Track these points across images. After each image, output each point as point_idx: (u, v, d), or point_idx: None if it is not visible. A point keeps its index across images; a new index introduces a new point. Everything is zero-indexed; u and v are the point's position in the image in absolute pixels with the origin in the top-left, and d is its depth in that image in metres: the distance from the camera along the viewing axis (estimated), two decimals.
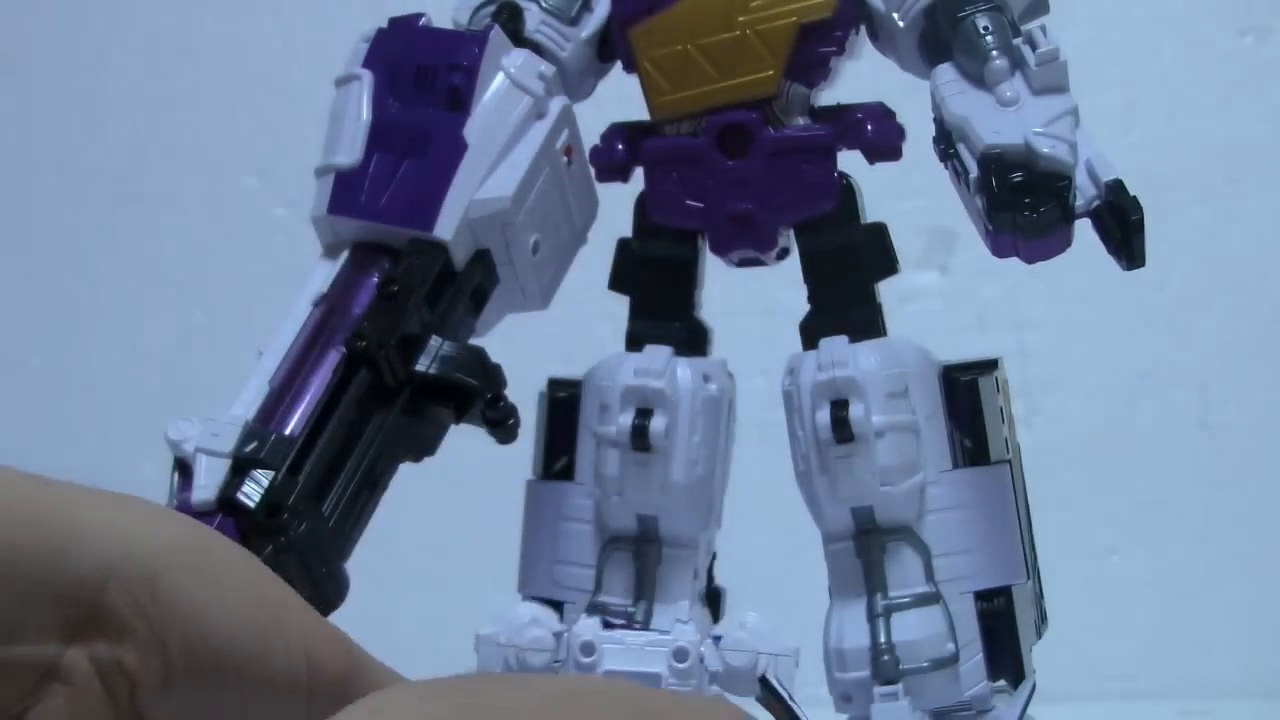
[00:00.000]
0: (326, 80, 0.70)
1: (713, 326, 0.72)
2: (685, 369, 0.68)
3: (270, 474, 0.59)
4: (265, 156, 1.41)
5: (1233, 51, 1.31)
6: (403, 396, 0.63)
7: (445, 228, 0.64)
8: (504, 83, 0.67)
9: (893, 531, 0.66)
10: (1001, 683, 0.66)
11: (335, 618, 0.59)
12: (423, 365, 0.63)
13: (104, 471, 1.44)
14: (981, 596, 0.66)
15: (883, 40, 0.69)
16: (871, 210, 0.69)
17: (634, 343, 0.70)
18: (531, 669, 0.48)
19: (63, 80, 1.46)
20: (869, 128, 0.68)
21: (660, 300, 0.71)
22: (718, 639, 0.50)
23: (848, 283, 0.68)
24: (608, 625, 0.49)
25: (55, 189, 1.45)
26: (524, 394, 0.67)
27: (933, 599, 0.65)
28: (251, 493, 0.59)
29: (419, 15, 0.69)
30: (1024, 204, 0.57)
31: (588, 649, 0.47)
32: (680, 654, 0.46)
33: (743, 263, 0.72)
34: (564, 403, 0.71)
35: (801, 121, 0.69)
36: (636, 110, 0.70)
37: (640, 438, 0.66)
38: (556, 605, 0.70)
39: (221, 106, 1.43)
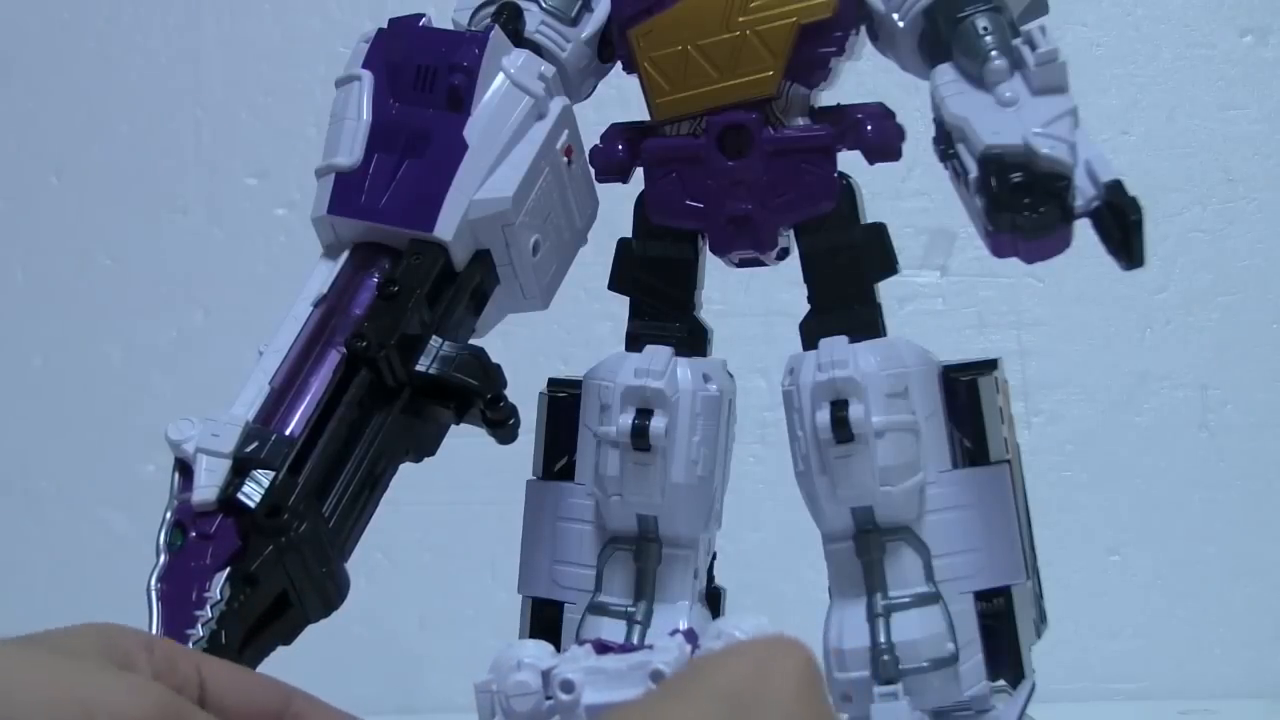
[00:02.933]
0: (326, 80, 0.70)
1: (713, 326, 0.72)
2: (685, 369, 0.68)
3: (271, 474, 0.59)
4: (265, 156, 1.41)
5: (1233, 51, 1.31)
6: (403, 397, 0.63)
7: (446, 228, 0.64)
8: (504, 83, 0.67)
9: (892, 531, 0.66)
10: (1001, 682, 0.66)
11: (336, 617, 0.60)
12: (423, 365, 0.63)
13: (105, 471, 1.45)
14: (981, 596, 0.66)
15: (883, 41, 0.69)
16: (871, 210, 0.69)
17: (634, 343, 0.70)
18: (521, 714, 0.48)
19: (63, 80, 1.46)
20: (869, 128, 0.68)
21: (660, 300, 0.71)
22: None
23: (847, 283, 0.68)
24: (604, 649, 0.49)
25: (55, 189, 1.45)
26: (524, 394, 0.67)
27: (932, 599, 0.65)
28: (252, 493, 0.59)
29: (419, 16, 0.69)
30: (1023, 204, 0.57)
31: (567, 686, 0.47)
32: (656, 676, 0.46)
33: (743, 263, 0.72)
34: (564, 403, 0.71)
35: (801, 122, 0.69)
36: (636, 110, 0.71)
37: (640, 438, 0.66)
38: (558, 605, 0.70)
39: (221, 106, 1.44)
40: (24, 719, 0.38)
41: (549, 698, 0.48)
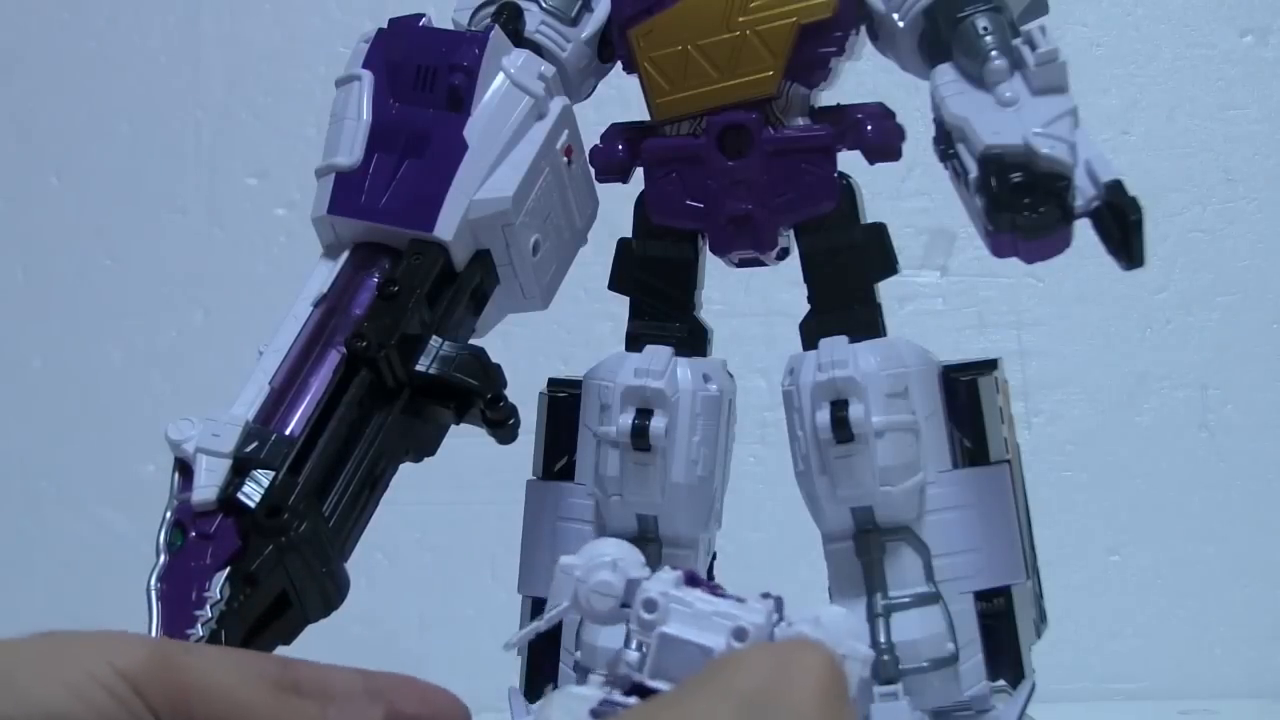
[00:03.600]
0: (326, 80, 0.70)
1: (713, 326, 0.72)
2: (685, 369, 0.68)
3: (271, 474, 0.59)
4: (265, 156, 1.41)
5: (1233, 51, 1.31)
6: (403, 396, 0.63)
7: (445, 228, 0.64)
8: (504, 83, 0.67)
9: (892, 531, 0.66)
10: (1001, 682, 0.66)
11: (336, 617, 0.60)
12: (423, 365, 0.63)
13: (105, 471, 1.44)
14: (981, 596, 0.66)
15: (883, 41, 0.69)
16: (871, 210, 0.69)
17: (634, 343, 0.70)
18: (595, 612, 0.48)
19: (63, 80, 1.46)
20: (869, 128, 0.68)
21: (660, 300, 0.71)
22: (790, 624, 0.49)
23: (848, 283, 0.68)
24: (693, 581, 0.49)
25: (55, 189, 1.45)
26: (524, 394, 0.67)
27: (932, 599, 0.65)
28: (252, 493, 0.59)
29: (419, 16, 0.69)
30: (1023, 204, 0.57)
31: (650, 606, 0.46)
32: (739, 634, 0.46)
33: (743, 263, 0.72)
34: (564, 403, 0.71)
35: (801, 122, 0.69)
36: (636, 110, 0.71)
37: (640, 438, 0.66)
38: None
39: (221, 106, 1.44)
40: (43, 699, 0.38)
41: (625, 604, 0.47)
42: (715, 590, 0.48)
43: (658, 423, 0.66)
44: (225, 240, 1.42)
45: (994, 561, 0.66)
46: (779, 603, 0.49)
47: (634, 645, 0.47)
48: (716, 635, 0.45)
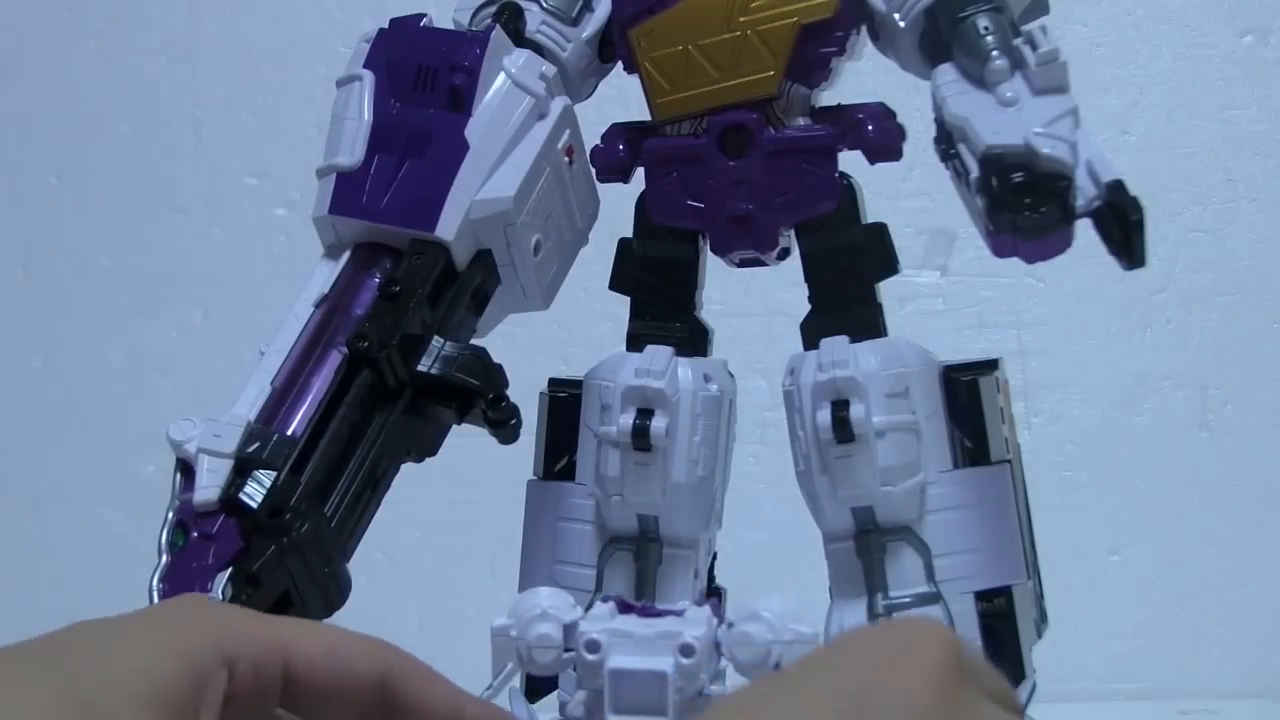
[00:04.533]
0: (326, 80, 0.70)
1: (713, 326, 0.72)
2: (686, 369, 0.68)
3: (273, 474, 0.59)
4: (265, 156, 1.41)
5: (1233, 51, 1.31)
6: (404, 397, 0.63)
7: (447, 228, 0.64)
8: (505, 83, 0.67)
9: (893, 531, 0.66)
10: None
11: (337, 617, 0.60)
12: (424, 365, 0.63)
13: (106, 471, 1.44)
14: (982, 596, 0.66)
15: (883, 41, 0.69)
16: (871, 210, 0.69)
17: (634, 343, 0.71)
18: (540, 665, 0.48)
19: (63, 80, 1.46)
20: (869, 128, 0.68)
21: (661, 300, 0.71)
22: (731, 625, 0.50)
23: (848, 283, 0.68)
24: (626, 608, 0.49)
25: (55, 189, 1.45)
26: (524, 394, 0.67)
27: (933, 599, 0.65)
28: (254, 493, 0.59)
29: (420, 15, 0.69)
30: (1024, 204, 0.57)
31: (593, 647, 0.46)
32: (686, 650, 0.46)
33: (743, 263, 0.72)
34: (564, 403, 0.71)
35: (802, 122, 0.69)
36: (637, 110, 0.71)
37: (641, 438, 0.66)
38: None
39: (221, 106, 1.44)
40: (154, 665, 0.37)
41: (568, 648, 0.47)
42: (649, 611, 0.48)
43: (658, 423, 0.66)
44: (225, 240, 1.42)
45: (994, 561, 0.66)
46: (716, 604, 0.49)
47: (580, 690, 0.47)
48: (663, 657, 0.46)
